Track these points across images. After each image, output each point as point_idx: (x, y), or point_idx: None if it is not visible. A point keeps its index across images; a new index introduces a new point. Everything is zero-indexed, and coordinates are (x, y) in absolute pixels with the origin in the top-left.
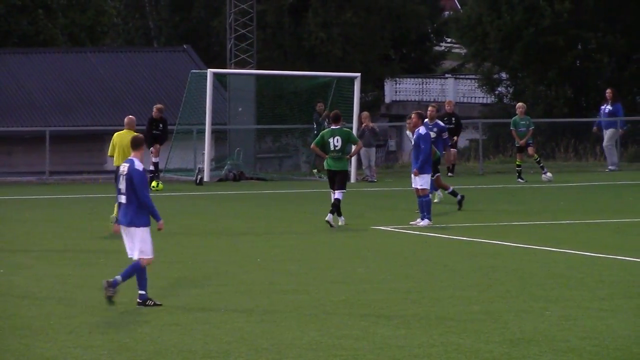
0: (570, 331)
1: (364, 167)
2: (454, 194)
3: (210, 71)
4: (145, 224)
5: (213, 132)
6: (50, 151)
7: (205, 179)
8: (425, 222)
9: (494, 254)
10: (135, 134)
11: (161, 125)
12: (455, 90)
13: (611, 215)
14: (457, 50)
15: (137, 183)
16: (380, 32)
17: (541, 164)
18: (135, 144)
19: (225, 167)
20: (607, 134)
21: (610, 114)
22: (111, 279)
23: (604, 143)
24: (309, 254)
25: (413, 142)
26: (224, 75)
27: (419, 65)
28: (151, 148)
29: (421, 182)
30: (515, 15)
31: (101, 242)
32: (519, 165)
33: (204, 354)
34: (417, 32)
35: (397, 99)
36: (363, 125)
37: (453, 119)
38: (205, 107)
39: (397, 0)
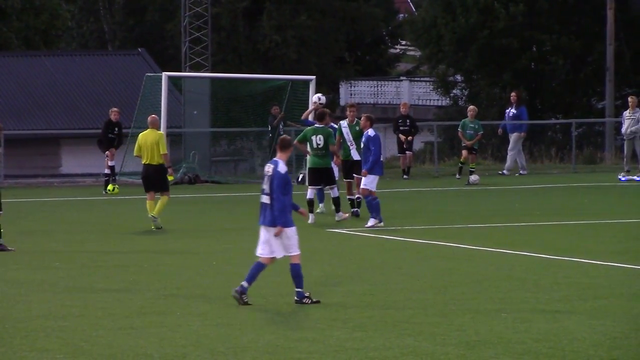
0: (526, 333)
1: None
2: (354, 204)
3: (165, 74)
4: (289, 223)
5: (168, 135)
6: (4, 155)
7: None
8: (373, 221)
9: (450, 256)
10: (283, 136)
11: (116, 129)
12: (410, 92)
13: (567, 217)
14: (412, 53)
15: (276, 185)
16: (335, 35)
17: (473, 170)
18: (283, 146)
19: (181, 170)
20: (512, 138)
21: (515, 117)
22: (238, 287)
23: (509, 147)
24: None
25: (362, 144)
26: (179, 78)
27: (374, 68)
28: (107, 151)
29: (365, 181)
30: (470, 18)
31: (55, 245)
32: (462, 163)
33: (160, 357)
34: (372, 35)
35: (353, 102)
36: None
37: (408, 121)
38: (160, 110)
39: (352, 3)
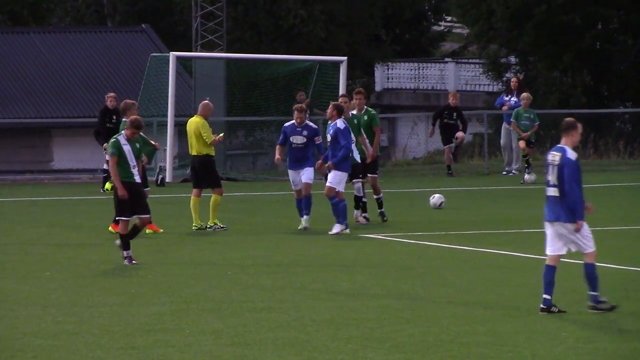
0: (590, 355)
1: None
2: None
3: (172, 54)
4: (580, 217)
5: (176, 125)
6: None
7: (168, 179)
8: (338, 227)
9: (501, 266)
10: (568, 119)
11: (114, 117)
12: (456, 76)
13: (638, 222)
14: (458, 31)
15: (566, 174)
16: (370, 10)
17: (529, 163)
18: (568, 127)
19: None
20: (507, 130)
21: (518, 106)
22: (542, 304)
23: (502, 141)
24: (286, 267)
25: (330, 137)
26: (189, 59)
27: (414, 48)
28: (105, 144)
29: (331, 179)
30: None
31: (45, 251)
32: (525, 156)
33: None
34: (412, 10)
35: (390, 87)
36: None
37: (455, 114)
38: (166, 97)
39: None
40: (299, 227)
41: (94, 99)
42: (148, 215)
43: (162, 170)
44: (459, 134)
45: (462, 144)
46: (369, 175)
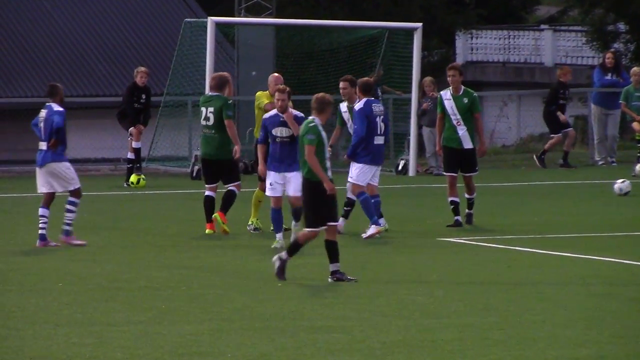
0: None
1: (427, 155)
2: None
3: (211, 20)
4: None
5: None
6: None
7: None
8: (374, 229)
9: (608, 276)
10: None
11: (144, 96)
12: (554, 47)
13: None
14: None
15: None
16: None
17: None
18: None
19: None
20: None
21: (613, 84)
22: None
23: (610, 132)
24: (355, 275)
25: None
26: (231, 25)
27: (503, 13)
28: (131, 128)
29: (352, 172)
30: None
31: (57, 258)
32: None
33: None
34: None
35: (474, 59)
36: (427, 95)
37: (567, 92)
38: (204, 71)
39: None
40: (272, 246)
41: (116, 74)
42: (337, 223)
43: (198, 160)
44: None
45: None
46: (467, 174)
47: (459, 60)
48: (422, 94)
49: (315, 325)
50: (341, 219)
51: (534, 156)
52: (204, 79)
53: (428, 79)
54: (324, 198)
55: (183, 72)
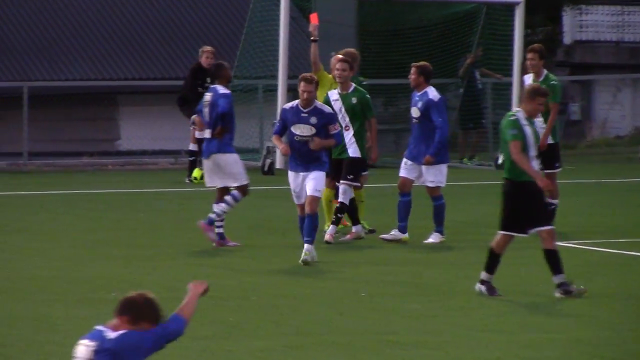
0: None
1: None
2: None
3: None
4: None
5: (290, 89)
6: (29, 120)
7: (278, 165)
8: (438, 237)
9: None
10: None
11: (209, 80)
12: None
13: None
14: None
15: None
16: None
17: None
18: None
19: None
20: None
21: None
22: None
23: None
24: (441, 285)
25: (416, 113)
26: None
27: None
28: (193, 116)
29: (434, 175)
30: None
31: (105, 264)
32: None
33: None
34: None
35: (583, 38)
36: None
37: None
38: (276, 51)
39: None
40: (301, 259)
41: (176, 54)
42: (552, 227)
43: (271, 152)
44: None
45: None
46: (546, 171)
47: (566, 39)
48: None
49: (402, 340)
50: (332, 226)
51: None
52: (277, 60)
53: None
54: (533, 200)
55: (253, 53)
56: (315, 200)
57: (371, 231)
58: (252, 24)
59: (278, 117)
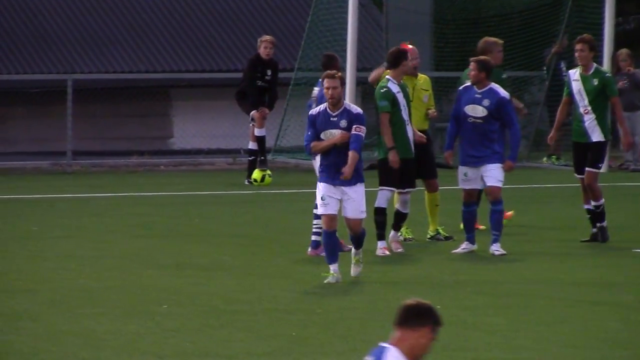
0: None
1: (622, 147)
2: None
3: None
4: None
5: (359, 84)
6: (73, 116)
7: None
8: (499, 248)
9: None
10: None
11: (270, 73)
12: None
13: None
14: None
15: None
16: None
17: None
18: None
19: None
20: None
21: None
22: None
23: None
24: (523, 297)
25: (480, 112)
26: None
27: None
28: (252, 112)
29: (500, 174)
30: None
31: (158, 274)
32: None
33: None
34: None
35: None
36: (622, 71)
37: None
38: (344, 41)
39: None
40: (325, 281)
41: (234, 44)
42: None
43: None
44: None
45: None
46: (586, 169)
47: None
48: (617, 69)
49: (484, 357)
50: (393, 232)
51: None
52: (345, 51)
53: (624, 51)
54: None
55: (318, 43)
56: (359, 223)
57: (447, 238)
58: (318, 11)
59: (307, 125)
